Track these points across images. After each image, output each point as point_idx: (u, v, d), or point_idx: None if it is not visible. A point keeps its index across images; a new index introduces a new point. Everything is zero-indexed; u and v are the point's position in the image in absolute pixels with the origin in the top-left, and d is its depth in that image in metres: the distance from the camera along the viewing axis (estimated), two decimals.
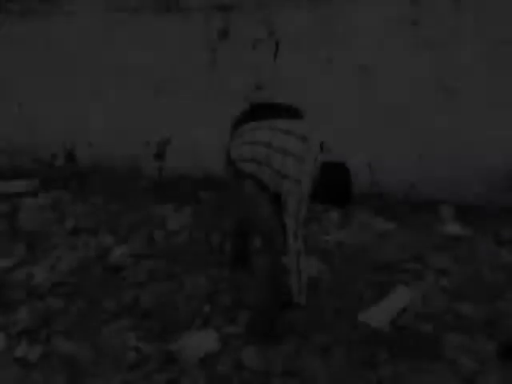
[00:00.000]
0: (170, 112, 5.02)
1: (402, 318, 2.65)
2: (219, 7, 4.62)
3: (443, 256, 3.31)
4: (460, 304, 2.76)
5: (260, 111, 2.90)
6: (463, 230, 3.68)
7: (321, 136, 2.42)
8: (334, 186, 2.26)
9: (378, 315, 2.64)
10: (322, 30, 4.37)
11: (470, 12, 3.98)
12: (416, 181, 4.36)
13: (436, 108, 4.20)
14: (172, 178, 5.05)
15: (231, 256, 3.23)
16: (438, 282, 3.01)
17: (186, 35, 4.78)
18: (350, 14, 4.25)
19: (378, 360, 2.34)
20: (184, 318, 2.75)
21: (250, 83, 4.68)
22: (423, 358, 2.36)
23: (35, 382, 2.37)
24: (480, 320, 2.62)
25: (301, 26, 4.41)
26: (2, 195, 4.73)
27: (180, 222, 4.00)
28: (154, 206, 4.42)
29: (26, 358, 2.51)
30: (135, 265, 3.38)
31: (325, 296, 2.88)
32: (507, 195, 4.18)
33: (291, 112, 2.88)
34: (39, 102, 5.38)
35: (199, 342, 2.49)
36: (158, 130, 5.12)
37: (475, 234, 3.62)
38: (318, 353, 2.43)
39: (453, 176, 4.28)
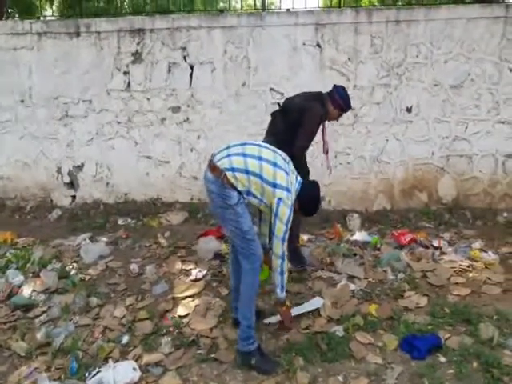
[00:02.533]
0: (82, 137, 4.89)
1: (315, 323, 2.81)
2: (131, 31, 4.64)
3: (352, 262, 3.56)
4: (367, 305, 2.98)
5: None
6: (369, 237, 3.99)
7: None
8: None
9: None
10: (236, 53, 4.57)
11: (367, 36, 4.41)
12: (326, 193, 4.66)
13: (341, 128, 4.55)
14: (86, 206, 4.89)
15: None
16: (348, 286, 3.22)
17: (97, 58, 4.73)
18: (259, 39, 4.50)
19: (295, 367, 2.45)
20: (101, 351, 2.67)
21: (166, 105, 4.73)
22: (336, 359, 2.52)
23: None
24: (384, 318, 2.85)
25: (215, 50, 4.58)
26: None
27: (96, 251, 3.87)
28: (68, 236, 4.24)
29: None
30: (47, 301, 3.22)
31: None
32: (405, 202, 4.63)
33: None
34: None
35: (117, 374, 2.43)
36: (69, 157, 4.96)
37: (379, 240, 3.94)
38: (240, 367, 2.49)
39: (359, 187, 4.65)
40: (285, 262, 2.48)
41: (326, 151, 3.39)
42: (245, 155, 2.41)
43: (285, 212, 2.36)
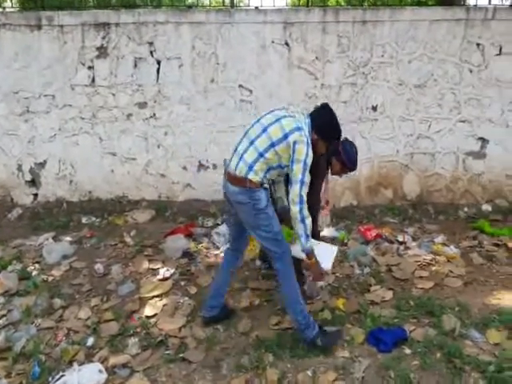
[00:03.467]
0: (44, 133, 4.72)
1: (284, 319, 2.82)
2: (96, 25, 4.50)
3: None
4: (335, 300, 3.03)
5: None
6: (337, 232, 4.05)
7: None
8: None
9: None
10: (204, 49, 4.51)
11: (334, 36, 4.46)
12: None
13: None
14: (48, 204, 4.72)
15: None
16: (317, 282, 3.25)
17: (60, 53, 4.56)
18: (228, 36, 4.46)
19: (264, 363, 2.45)
20: (65, 354, 2.58)
21: (132, 101, 4.62)
22: (304, 354, 2.54)
23: None
24: (351, 312, 2.90)
25: (183, 46, 4.51)
26: None
27: (59, 251, 3.74)
28: (30, 236, 4.08)
29: None
30: (7, 304, 3.09)
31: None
32: (371, 199, 4.73)
33: None
34: None
35: (82, 377, 2.36)
36: (30, 154, 4.77)
37: (346, 235, 4.01)
38: (210, 366, 2.48)
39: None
40: (304, 207, 2.32)
41: (325, 203, 3.20)
42: (252, 142, 2.42)
43: (301, 150, 2.31)
